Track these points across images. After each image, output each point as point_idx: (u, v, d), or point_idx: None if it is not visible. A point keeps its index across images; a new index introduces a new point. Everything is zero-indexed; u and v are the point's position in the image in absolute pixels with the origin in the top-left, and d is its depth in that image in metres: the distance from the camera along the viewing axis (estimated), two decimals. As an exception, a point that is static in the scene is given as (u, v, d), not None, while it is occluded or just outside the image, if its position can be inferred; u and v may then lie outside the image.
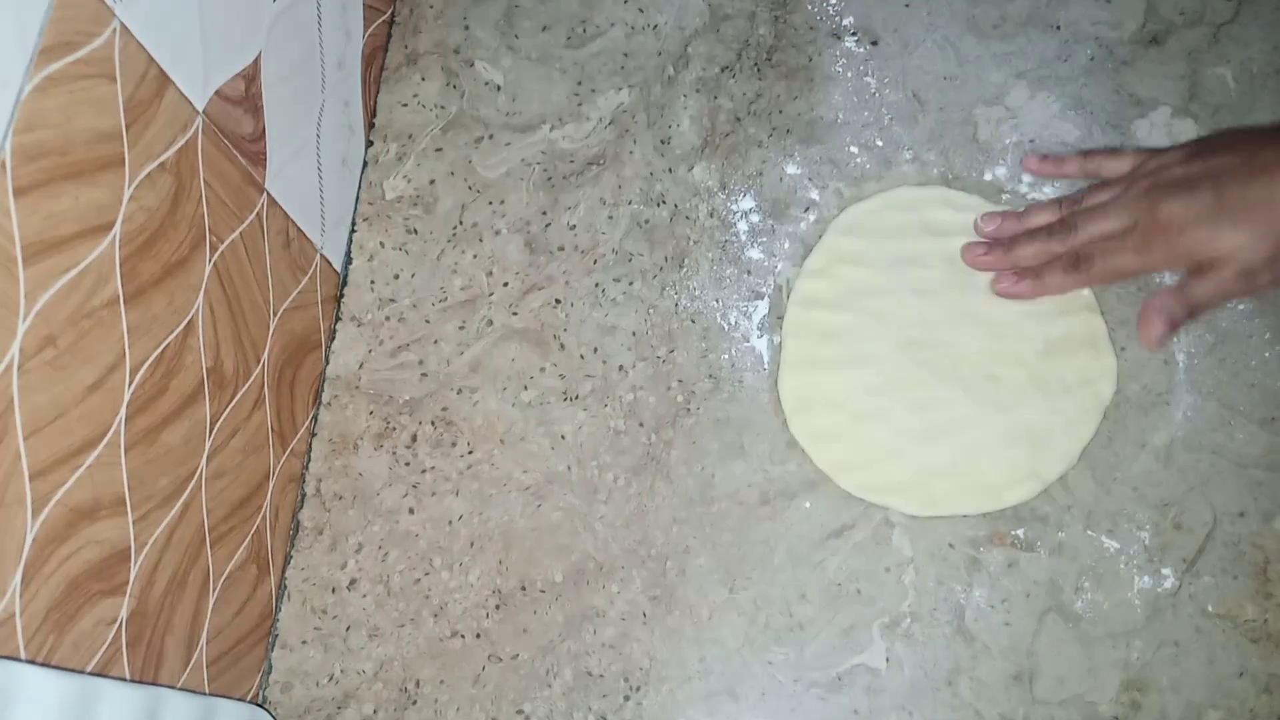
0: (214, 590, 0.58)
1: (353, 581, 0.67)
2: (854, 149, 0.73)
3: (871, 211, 0.71)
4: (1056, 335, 0.66)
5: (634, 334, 0.70)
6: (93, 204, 0.45)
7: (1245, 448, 0.65)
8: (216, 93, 0.54)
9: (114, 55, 0.45)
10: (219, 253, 0.56)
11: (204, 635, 0.58)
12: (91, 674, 0.46)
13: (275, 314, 0.64)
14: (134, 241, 0.48)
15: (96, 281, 0.45)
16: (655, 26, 0.77)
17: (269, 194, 0.61)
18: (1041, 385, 0.66)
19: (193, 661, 0.57)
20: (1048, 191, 0.70)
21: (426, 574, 0.67)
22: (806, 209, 0.72)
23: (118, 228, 0.47)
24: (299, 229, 0.66)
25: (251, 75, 0.58)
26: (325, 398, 0.71)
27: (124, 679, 0.50)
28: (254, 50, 0.58)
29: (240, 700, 0.61)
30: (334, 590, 0.67)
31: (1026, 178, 0.71)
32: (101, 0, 0.44)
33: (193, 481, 0.55)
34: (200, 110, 0.53)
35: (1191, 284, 0.62)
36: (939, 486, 0.65)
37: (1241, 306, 0.67)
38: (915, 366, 0.67)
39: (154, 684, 0.52)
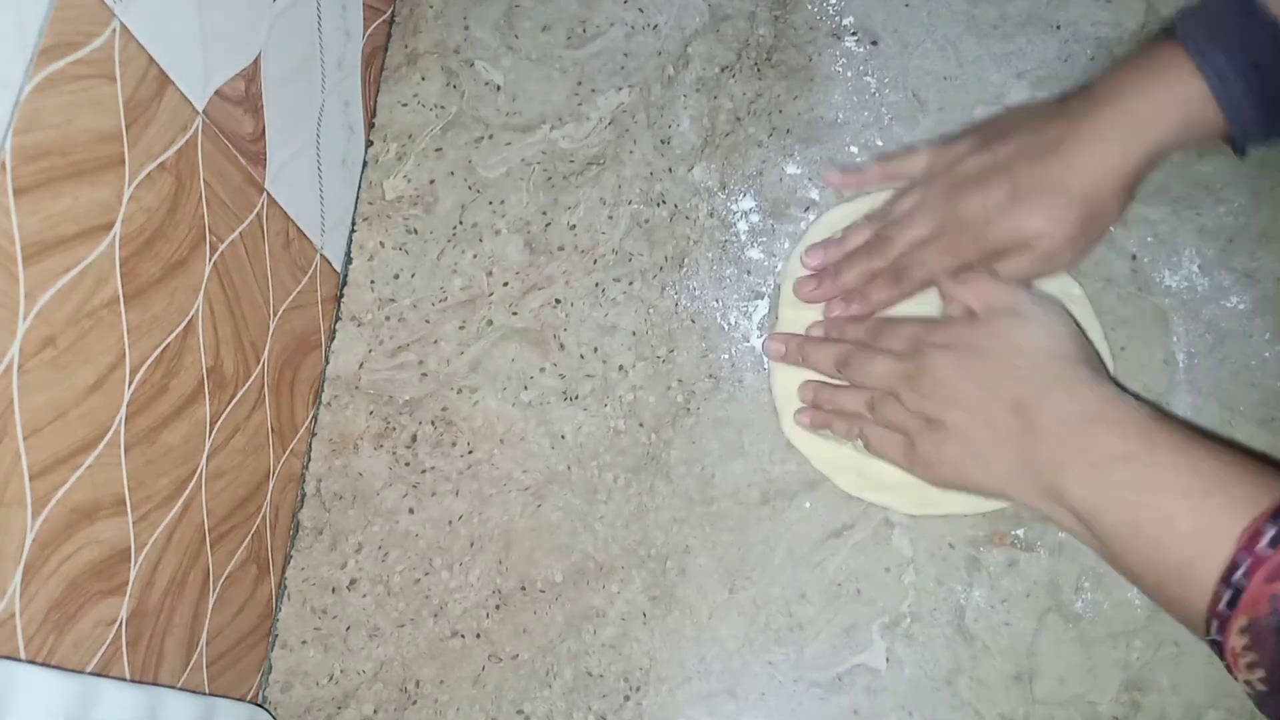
0: (214, 590, 0.58)
1: (353, 581, 0.67)
2: (854, 149, 0.73)
3: (852, 214, 0.70)
4: None
5: (634, 334, 0.70)
6: (93, 204, 0.45)
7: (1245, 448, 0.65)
8: (216, 93, 0.54)
9: (114, 55, 0.45)
10: (219, 253, 0.56)
11: (204, 635, 0.58)
12: (91, 674, 0.46)
13: (275, 314, 0.64)
14: (134, 241, 0.48)
15: (96, 282, 0.45)
16: (655, 26, 0.77)
17: (269, 194, 0.61)
18: None
19: (193, 661, 0.57)
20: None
21: (426, 574, 0.67)
22: (806, 209, 0.72)
23: (118, 228, 0.47)
24: (299, 229, 0.66)
25: (251, 75, 0.58)
26: (325, 398, 0.71)
27: (124, 679, 0.50)
28: (254, 50, 0.58)
29: (240, 700, 0.61)
30: (334, 590, 0.67)
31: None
32: (101, 0, 0.44)
33: (193, 481, 0.55)
34: (200, 110, 0.53)
35: (997, 269, 0.63)
36: (932, 488, 0.65)
37: (1241, 306, 0.67)
38: None
39: (154, 684, 0.52)
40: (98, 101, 0.44)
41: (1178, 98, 0.57)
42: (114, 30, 0.45)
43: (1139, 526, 0.49)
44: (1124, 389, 0.57)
